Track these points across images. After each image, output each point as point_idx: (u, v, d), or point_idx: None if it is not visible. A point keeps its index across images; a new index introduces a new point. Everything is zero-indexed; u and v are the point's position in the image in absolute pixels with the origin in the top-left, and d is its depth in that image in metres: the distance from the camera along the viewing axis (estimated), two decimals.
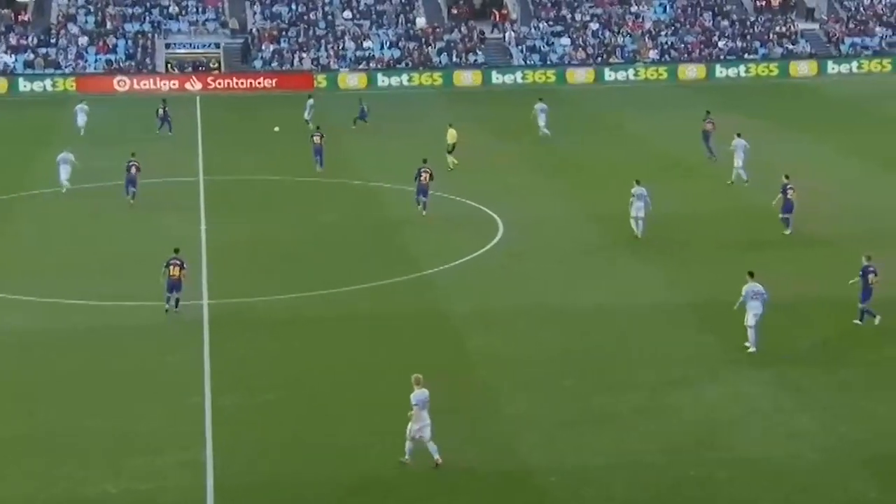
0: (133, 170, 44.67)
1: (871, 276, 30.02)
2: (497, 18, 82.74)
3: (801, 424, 24.66)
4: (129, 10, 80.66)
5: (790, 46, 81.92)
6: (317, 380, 27.36)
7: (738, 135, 46.49)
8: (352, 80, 75.60)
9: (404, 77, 76.43)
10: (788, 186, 38.77)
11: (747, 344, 28.69)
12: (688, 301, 32.29)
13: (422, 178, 41.84)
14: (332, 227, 41.21)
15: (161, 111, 59.75)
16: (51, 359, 28.98)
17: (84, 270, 36.18)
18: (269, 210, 43.72)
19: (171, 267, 31.57)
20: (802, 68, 79.47)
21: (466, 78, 76.80)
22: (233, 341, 29.80)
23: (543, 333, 30.25)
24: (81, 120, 59.41)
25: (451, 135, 49.93)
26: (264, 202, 45.06)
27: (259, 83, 75.38)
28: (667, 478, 22.52)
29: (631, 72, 78.01)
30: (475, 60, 79.06)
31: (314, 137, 50.41)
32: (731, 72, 79.03)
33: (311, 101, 60.39)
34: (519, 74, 77.15)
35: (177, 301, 31.83)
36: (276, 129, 58.97)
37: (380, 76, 76.45)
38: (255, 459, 23.39)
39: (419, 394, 22.86)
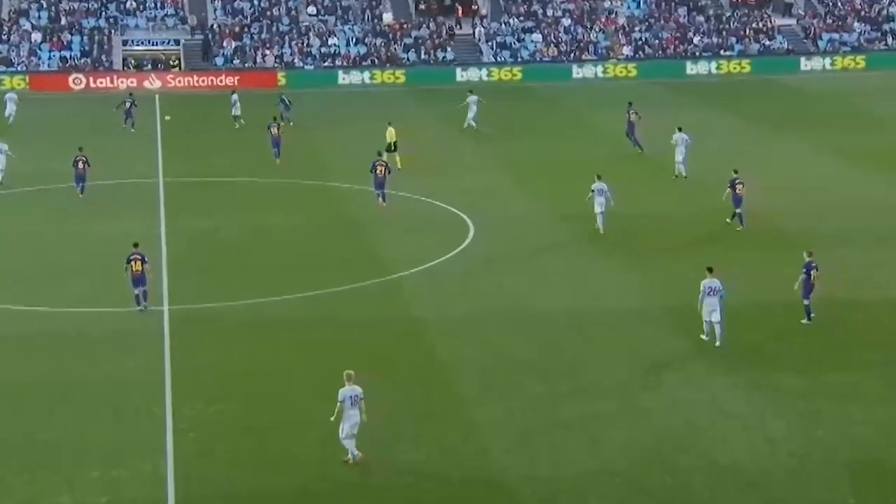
0: (81, 164, 45.19)
1: (813, 273, 30.64)
2: (460, 13, 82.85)
3: (778, 429, 24.91)
4: (85, 6, 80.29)
5: (767, 42, 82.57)
6: (282, 387, 27.37)
7: (680, 129, 47.94)
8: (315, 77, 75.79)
9: (366, 74, 76.43)
10: (737, 181, 39.71)
11: (704, 337, 29.46)
12: (662, 304, 32.49)
13: (378, 172, 43.00)
14: (298, 229, 41.23)
15: (127, 104, 60.29)
16: (6, 366, 28.88)
17: (40, 275, 36.03)
18: (232, 212, 43.68)
19: (133, 262, 32.00)
20: (778, 65, 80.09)
21: (431, 75, 76.89)
22: (195, 348, 29.80)
23: (514, 338, 30.41)
24: (10, 109, 60.27)
25: (391, 133, 50.28)
26: (226, 204, 45.02)
27: (221, 81, 75.22)
28: (642, 485, 22.70)
29: (600, 69, 78.38)
30: (444, 57, 79.26)
31: (271, 129, 51.64)
32: (706, 68, 79.58)
33: (235, 97, 60.86)
34: (485, 71, 77.32)
35: (144, 294, 32.28)
36: (167, 118, 61.83)
37: (341, 73, 76.44)
38: (217, 471, 23.41)
39: (348, 390, 23.18)
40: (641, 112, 53.67)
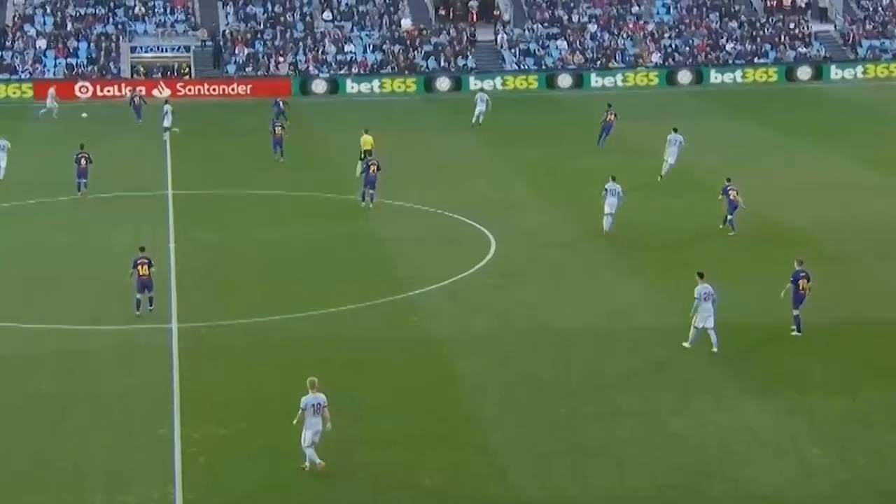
0: (83, 162, 46.82)
1: (802, 282, 30.80)
2: (474, 18, 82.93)
3: (814, 457, 24.82)
4: (92, 11, 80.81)
5: (803, 49, 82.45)
6: (294, 408, 27.36)
7: (675, 130, 49.91)
8: (320, 86, 75.90)
9: (375, 83, 76.47)
10: (729, 188, 41.41)
11: (686, 344, 30.14)
12: (688, 324, 32.31)
13: (370, 170, 45.11)
14: (312, 243, 41.36)
15: (137, 99, 63.37)
16: (7, 387, 29.02)
17: (44, 291, 36.22)
18: (243, 226, 43.81)
19: (140, 266, 32.78)
20: (815, 72, 79.95)
21: (444, 83, 76.96)
22: (204, 368, 29.90)
23: (536, 357, 30.44)
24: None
25: (366, 141, 50.49)
26: (237, 218, 45.17)
27: (232, 90, 75.65)
28: None
29: (619, 77, 78.28)
30: (464, 65, 79.44)
31: (275, 128, 54.20)
32: (738, 76, 79.51)
33: (168, 107, 61.21)
34: (499, 80, 77.20)
35: (150, 300, 33.09)
36: (84, 115, 64.46)
37: (349, 82, 76.50)
38: (227, 496, 23.47)
39: (311, 398, 23.75)
40: (681, 124, 53.88)
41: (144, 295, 33.08)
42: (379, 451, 24.88)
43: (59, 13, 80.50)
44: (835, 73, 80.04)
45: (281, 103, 63.21)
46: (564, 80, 78.09)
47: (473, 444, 25.46)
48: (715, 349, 30.04)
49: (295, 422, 23.99)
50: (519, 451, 25.12)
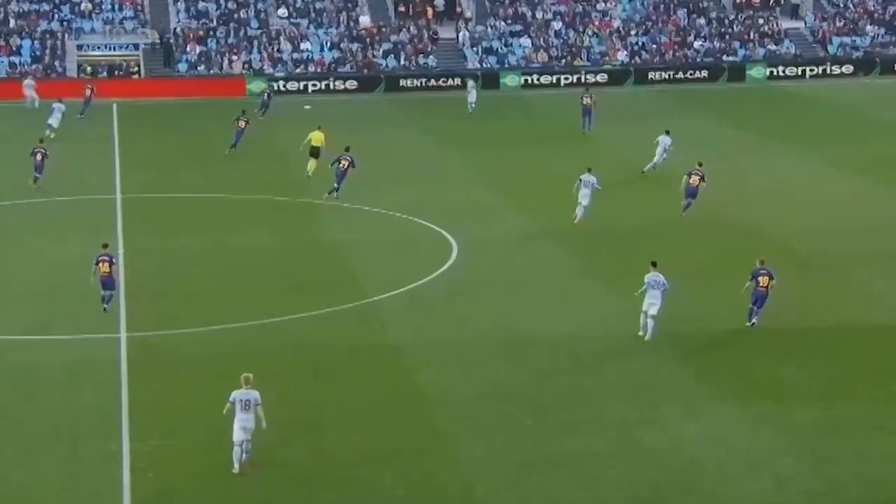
0: (39, 156, 48.24)
1: (761, 279, 31.59)
2: (430, 15, 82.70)
3: (788, 467, 24.83)
4: (36, 8, 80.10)
5: (773, 47, 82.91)
6: None
7: (667, 132, 51.64)
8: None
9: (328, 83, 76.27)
10: (694, 172, 43.08)
11: (640, 333, 31.25)
12: (662, 329, 32.28)
13: (340, 165, 46.02)
14: (268, 249, 41.09)
15: (89, 92, 65.38)
16: None
17: None
18: (195, 231, 43.51)
19: (101, 263, 32.91)
20: (785, 70, 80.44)
21: (403, 83, 76.81)
22: (154, 379, 29.58)
23: (502, 366, 30.30)
24: None
25: (316, 138, 50.57)
26: (189, 223, 44.86)
27: (184, 89, 75.07)
28: None
29: (576, 77, 78.10)
30: (425, 63, 79.33)
31: (238, 122, 55.44)
32: (706, 74, 79.73)
33: (58, 105, 60.99)
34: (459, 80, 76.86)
35: (106, 299, 33.18)
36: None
37: (304, 81, 76.17)
38: None
39: (241, 393, 24.26)
40: (648, 125, 54.20)
41: (105, 293, 33.10)
42: (340, 466, 24.64)
43: (1, 9, 79.69)
44: (811, 70, 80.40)
45: (266, 96, 66.65)
46: (530, 79, 77.93)
47: (438, 459, 25.31)
48: (647, 337, 31.12)
49: (224, 411, 24.31)
50: (486, 465, 24.96)
